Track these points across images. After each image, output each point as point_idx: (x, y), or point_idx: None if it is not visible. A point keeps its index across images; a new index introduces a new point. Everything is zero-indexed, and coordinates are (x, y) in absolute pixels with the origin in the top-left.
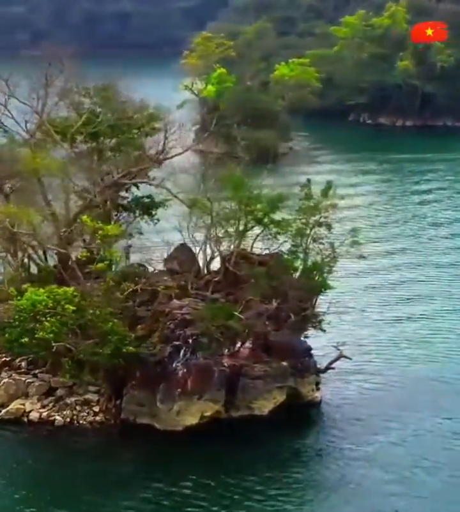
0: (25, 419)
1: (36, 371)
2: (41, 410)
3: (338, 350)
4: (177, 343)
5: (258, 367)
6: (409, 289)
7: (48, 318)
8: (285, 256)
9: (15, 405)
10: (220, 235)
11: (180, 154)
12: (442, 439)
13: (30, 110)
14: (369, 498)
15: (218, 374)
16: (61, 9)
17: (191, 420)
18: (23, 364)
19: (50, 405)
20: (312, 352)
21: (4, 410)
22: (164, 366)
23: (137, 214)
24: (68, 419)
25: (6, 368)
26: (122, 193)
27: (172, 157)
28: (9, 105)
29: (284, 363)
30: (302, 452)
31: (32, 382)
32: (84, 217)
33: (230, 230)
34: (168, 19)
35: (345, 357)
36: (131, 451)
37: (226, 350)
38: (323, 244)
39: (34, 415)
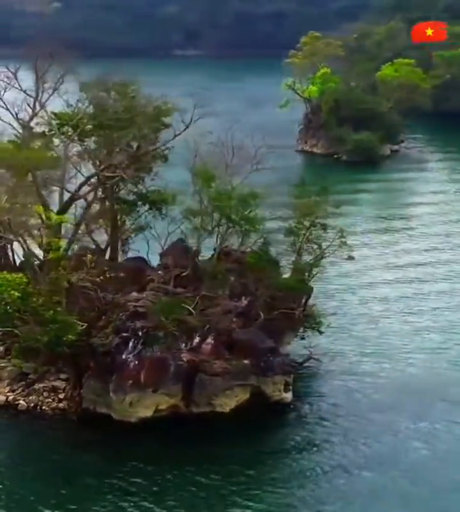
0: None
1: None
2: (9, 394)
3: (309, 351)
4: (125, 334)
5: (218, 364)
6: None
7: None
8: (252, 254)
9: None
10: (187, 229)
11: (154, 149)
12: (404, 440)
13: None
14: (309, 493)
15: (175, 368)
16: (213, 9)
17: (145, 412)
18: (0, 349)
19: (20, 389)
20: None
21: None
22: (113, 357)
23: (141, 208)
24: (32, 404)
25: None
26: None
27: (149, 151)
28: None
29: (245, 361)
30: (255, 448)
31: (6, 367)
32: (37, 206)
33: (198, 225)
34: (322, 20)
35: (315, 359)
36: (82, 438)
37: (183, 345)
38: (317, 244)
39: (0, 399)
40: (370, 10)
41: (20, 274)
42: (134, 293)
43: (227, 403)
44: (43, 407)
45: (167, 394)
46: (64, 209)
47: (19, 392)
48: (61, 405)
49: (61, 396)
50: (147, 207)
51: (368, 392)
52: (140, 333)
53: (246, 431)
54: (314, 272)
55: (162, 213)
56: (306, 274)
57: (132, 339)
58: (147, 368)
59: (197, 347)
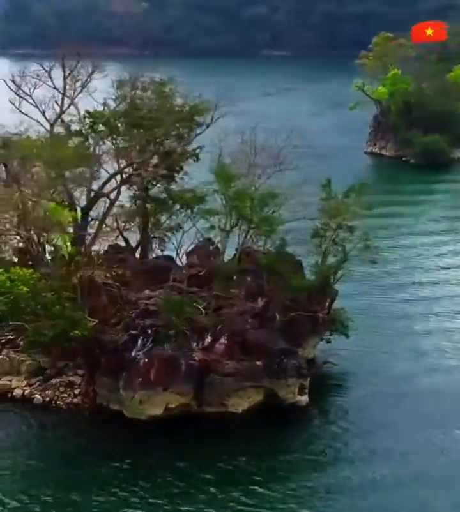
0: (10, 395)
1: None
2: (25, 388)
3: (324, 355)
4: (133, 332)
5: (230, 364)
6: None
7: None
8: (267, 255)
9: (2, 381)
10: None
11: (183, 148)
12: (423, 447)
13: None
14: (318, 496)
15: (186, 367)
16: (300, 10)
17: (156, 410)
18: (22, 343)
19: (36, 384)
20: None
21: None
22: (122, 354)
23: (174, 208)
24: (48, 399)
25: (8, 345)
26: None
27: (176, 150)
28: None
29: (258, 362)
30: (264, 449)
31: (25, 361)
32: (51, 204)
33: (215, 224)
34: (411, 20)
35: (331, 362)
36: (93, 434)
37: (195, 344)
38: (343, 246)
39: (17, 393)
40: (458, 10)
41: (31, 270)
42: (146, 291)
43: (240, 403)
44: (58, 402)
45: (177, 392)
46: (89, 206)
47: (36, 387)
48: (75, 400)
49: (77, 391)
50: (178, 206)
51: (392, 396)
52: (149, 331)
53: (257, 432)
54: (339, 275)
55: (193, 212)
56: (331, 276)
57: (141, 337)
58: (158, 366)
59: (209, 347)
